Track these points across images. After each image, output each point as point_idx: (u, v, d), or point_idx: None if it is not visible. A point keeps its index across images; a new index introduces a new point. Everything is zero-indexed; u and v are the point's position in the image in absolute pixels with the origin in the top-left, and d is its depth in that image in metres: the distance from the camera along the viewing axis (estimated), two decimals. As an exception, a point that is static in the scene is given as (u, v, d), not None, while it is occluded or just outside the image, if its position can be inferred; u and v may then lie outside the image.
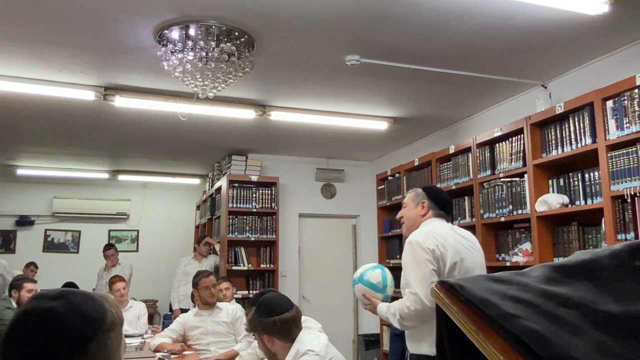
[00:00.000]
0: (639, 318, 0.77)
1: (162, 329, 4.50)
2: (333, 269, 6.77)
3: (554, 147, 3.60)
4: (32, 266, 7.43)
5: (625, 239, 3.00)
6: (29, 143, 6.26)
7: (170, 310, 6.64)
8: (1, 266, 6.20)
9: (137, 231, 9.29)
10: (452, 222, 2.60)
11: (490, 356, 0.71)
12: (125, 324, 4.85)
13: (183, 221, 9.25)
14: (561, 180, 3.59)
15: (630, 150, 3.02)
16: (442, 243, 2.38)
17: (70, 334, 0.95)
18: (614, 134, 3.12)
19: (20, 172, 7.69)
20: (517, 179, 3.88)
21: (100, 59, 3.71)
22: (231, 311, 4.14)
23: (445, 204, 2.66)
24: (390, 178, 5.78)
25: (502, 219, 3.98)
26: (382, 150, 6.64)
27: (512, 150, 3.95)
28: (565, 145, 3.51)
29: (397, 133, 5.66)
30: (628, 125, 3.03)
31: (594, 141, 3.27)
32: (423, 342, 2.36)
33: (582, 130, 3.37)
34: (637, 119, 2.98)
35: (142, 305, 5.19)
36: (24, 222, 8.65)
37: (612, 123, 3.13)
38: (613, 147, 3.13)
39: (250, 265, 6.09)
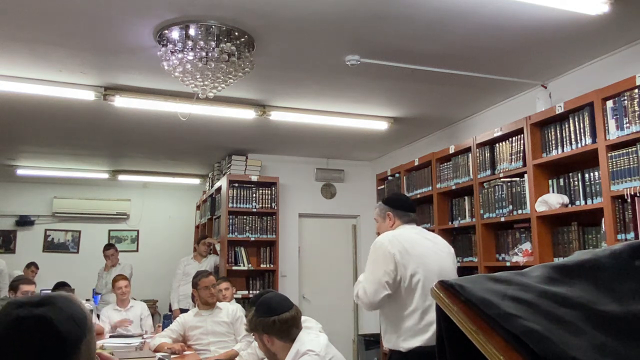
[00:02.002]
0: (639, 318, 0.77)
1: (162, 329, 4.51)
2: (333, 269, 6.76)
3: (554, 147, 3.60)
4: (32, 267, 7.44)
5: (625, 239, 3.00)
6: (29, 143, 6.26)
7: (170, 310, 6.65)
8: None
9: (137, 231, 9.29)
10: (417, 223, 2.87)
11: (490, 356, 0.71)
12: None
13: (183, 221, 9.25)
14: (561, 180, 3.59)
15: (630, 150, 3.02)
16: (405, 247, 2.52)
17: (64, 338, 0.98)
18: (614, 134, 3.12)
19: (20, 172, 7.69)
20: (517, 179, 3.88)
21: (100, 59, 3.71)
22: (231, 311, 4.15)
23: (408, 208, 2.81)
24: (390, 178, 5.78)
25: (502, 219, 3.98)
26: (382, 150, 6.64)
27: (512, 150, 3.95)
28: (565, 145, 3.51)
29: (397, 133, 5.66)
30: (628, 125, 3.03)
31: (594, 141, 3.27)
32: (392, 335, 2.55)
33: (582, 130, 3.37)
34: (637, 119, 2.98)
35: (143, 305, 5.20)
36: (24, 222, 8.65)
37: (612, 123, 3.13)
38: (613, 147, 3.13)
39: (250, 265, 6.09)
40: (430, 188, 4.99)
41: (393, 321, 2.54)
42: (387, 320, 2.59)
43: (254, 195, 6.18)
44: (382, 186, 5.94)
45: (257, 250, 6.25)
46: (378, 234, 2.84)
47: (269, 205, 6.22)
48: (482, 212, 4.21)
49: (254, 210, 6.14)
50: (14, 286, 4.49)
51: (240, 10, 3.01)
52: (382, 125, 5.23)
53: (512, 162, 3.93)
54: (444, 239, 2.84)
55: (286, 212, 6.50)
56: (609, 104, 3.16)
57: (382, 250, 2.54)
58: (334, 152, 6.65)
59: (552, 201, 3.52)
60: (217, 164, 7.15)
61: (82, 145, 6.28)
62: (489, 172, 4.19)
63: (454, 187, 4.61)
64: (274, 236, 6.20)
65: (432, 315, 2.39)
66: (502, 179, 4.01)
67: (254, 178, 6.20)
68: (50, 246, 8.84)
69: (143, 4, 2.92)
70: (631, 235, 2.98)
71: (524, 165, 3.81)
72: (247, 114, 4.80)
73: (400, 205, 2.82)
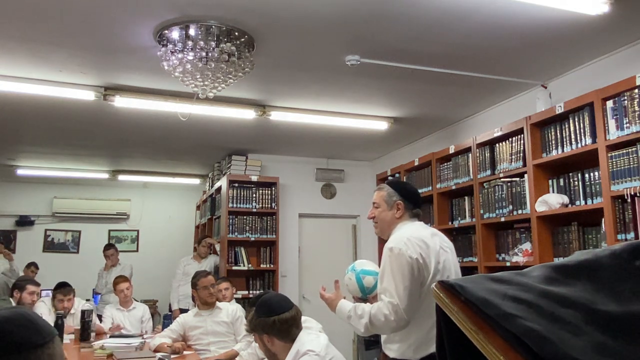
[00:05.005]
0: (639, 318, 0.77)
1: (162, 329, 4.51)
2: (333, 269, 6.73)
3: (554, 147, 3.60)
4: (32, 267, 7.43)
5: (625, 239, 3.00)
6: (29, 143, 6.26)
7: (170, 310, 6.65)
8: (2, 266, 6.21)
9: (137, 231, 9.29)
10: (420, 219, 2.56)
11: (490, 356, 0.71)
12: (128, 325, 4.88)
13: (183, 221, 9.25)
14: (561, 180, 3.60)
15: (630, 150, 3.02)
16: (424, 249, 2.29)
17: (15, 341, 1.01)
18: (614, 134, 3.12)
19: (20, 172, 7.69)
20: (517, 179, 3.88)
21: (100, 59, 3.71)
22: (231, 311, 4.15)
23: (418, 202, 2.53)
24: (390, 178, 5.78)
25: (502, 219, 3.98)
26: (382, 150, 6.64)
27: (512, 150, 3.95)
28: (565, 145, 3.51)
29: (397, 133, 5.66)
30: (628, 125, 3.03)
31: (594, 141, 3.27)
32: (401, 344, 2.33)
33: (582, 130, 3.37)
34: (637, 119, 2.98)
35: (145, 307, 5.21)
36: (24, 222, 8.65)
37: (612, 123, 3.14)
38: (613, 147, 3.13)
39: (250, 266, 6.08)
40: (430, 188, 4.99)
41: (404, 329, 2.28)
42: None
43: (254, 195, 6.18)
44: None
45: (257, 250, 6.25)
46: (371, 218, 2.57)
47: (269, 205, 6.22)
48: (482, 212, 4.21)
49: (254, 210, 6.14)
50: (19, 285, 4.50)
51: (240, 10, 3.00)
52: (382, 125, 5.23)
53: (512, 162, 3.93)
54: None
55: (286, 212, 6.50)
56: (609, 104, 3.17)
57: (403, 257, 2.25)
58: (334, 152, 6.65)
59: (552, 201, 3.52)
60: (217, 164, 7.15)
61: (82, 145, 6.28)
62: (489, 172, 4.19)
63: (454, 187, 4.61)
64: (274, 236, 6.20)
65: None
66: (502, 179, 4.01)
67: (254, 178, 6.20)
68: (50, 246, 8.84)
69: (143, 4, 2.92)
70: (631, 235, 2.98)
71: (524, 165, 3.81)
72: (247, 114, 4.80)
73: (413, 198, 2.51)
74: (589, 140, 3.31)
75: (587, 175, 3.38)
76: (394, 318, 2.20)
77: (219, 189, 6.69)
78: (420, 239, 2.32)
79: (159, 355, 3.55)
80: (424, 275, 2.27)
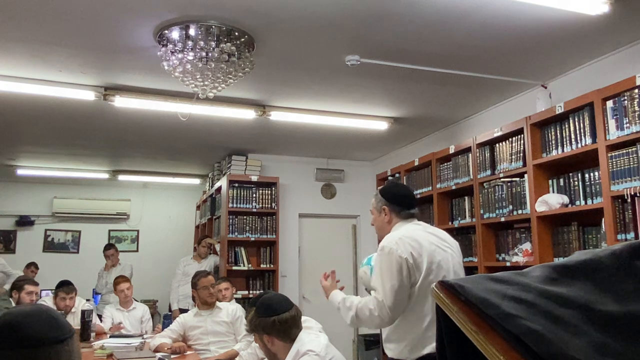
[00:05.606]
0: (639, 318, 0.77)
1: (162, 329, 4.51)
2: (333, 269, 6.75)
3: (554, 147, 3.60)
4: (32, 267, 7.44)
5: (625, 239, 3.00)
6: (29, 143, 6.26)
7: (170, 310, 6.65)
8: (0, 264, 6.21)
9: (137, 231, 9.29)
10: (418, 219, 2.57)
11: (490, 356, 0.71)
12: (128, 325, 4.88)
13: (183, 221, 9.25)
14: (561, 180, 3.60)
15: (630, 150, 3.02)
16: (416, 249, 2.29)
17: (33, 338, 1.05)
18: (614, 134, 3.12)
19: (20, 172, 7.70)
20: (517, 179, 3.88)
21: (100, 59, 3.71)
22: (231, 311, 4.15)
23: (407, 203, 2.52)
24: (390, 178, 5.78)
25: (502, 219, 3.98)
26: (382, 150, 6.64)
27: (512, 150, 3.95)
28: (565, 145, 3.51)
29: (397, 133, 5.66)
30: (628, 125, 3.03)
31: (594, 141, 3.27)
32: (398, 344, 2.36)
33: (582, 130, 3.37)
34: (637, 119, 2.98)
35: (145, 308, 5.20)
36: (24, 222, 8.65)
37: (612, 123, 3.14)
38: (613, 147, 3.13)
39: (250, 266, 6.09)
40: (430, 188, 4.99)
41: (399, 329, 2.32)
42: (391, 328, 2.36)
43: (254, 195, 6.18)
44: (382, 186, 5.93)
45: (257, 250, 6.26)
46: (374, 225, 2.63)
47: (269, 205, 6.22)
48: (482, 212, 4.21)
49: (254, 210, 6.14)
50: (17, 285, 4.50)
51: (240, 10, 3.00)
52: (382, 125, 5.23)
53: (512, 162, 3.93)
54: (446, 232, 2.59)
55: (286, 212, 6.50)
56: (609, 104, 3.17)
57: (392, 255, 2.27)
58: (334, 152, 6.66)
59: (552, 201, 3.52)
60: (217, 164, 7.16)
61: (82, 145, 6.28)
62: (489, 172, 4.19)
63: (454, 187, 4.61)
64: (274, 236, 6.20)
65: None
66: (502, 179, 4.01)
67: (254, 178, 6.20)
68: (50, 246, 8.84)
69: (143, 4, 2.92)
70: (631, 235, 2.98)
71: (524, 165, 3.81)
72: (247, 114, 4.80)
73: (399, 200, 2.51)
74: (589, 140, 3.31)
75: (587, 175, 3.38)
76: (378, 314, 2.26)
77: (219, 189, 6.70)
78: (412, 239, 2.33)
79: (159, 355, 3.55)
80: (415, 276, 2.28)
